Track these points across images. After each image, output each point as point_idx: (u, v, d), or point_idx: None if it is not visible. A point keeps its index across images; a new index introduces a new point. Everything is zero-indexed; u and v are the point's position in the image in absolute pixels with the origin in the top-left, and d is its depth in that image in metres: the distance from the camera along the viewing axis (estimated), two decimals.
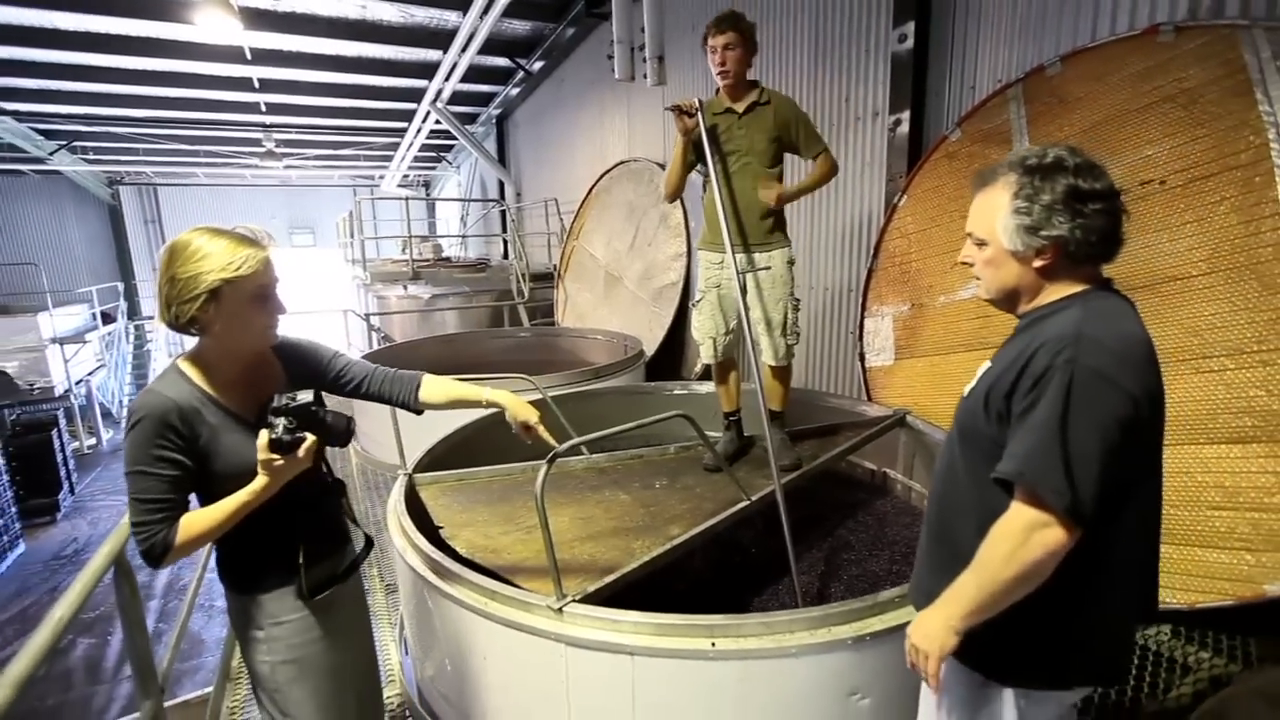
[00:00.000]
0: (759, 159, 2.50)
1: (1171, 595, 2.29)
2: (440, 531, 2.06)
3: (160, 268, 1.20)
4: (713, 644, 1.40)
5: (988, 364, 1.18)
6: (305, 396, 1.26)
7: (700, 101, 2.44)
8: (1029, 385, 1.02)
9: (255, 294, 1.21)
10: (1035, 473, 0.98)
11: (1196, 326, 2.40)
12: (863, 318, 3.80)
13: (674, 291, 5.87)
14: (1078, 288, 1.11)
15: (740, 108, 2.47)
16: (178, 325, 1.21)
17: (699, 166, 2.58)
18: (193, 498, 1.28)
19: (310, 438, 1.25)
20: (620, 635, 1.44)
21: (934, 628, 1.09)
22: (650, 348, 5.74)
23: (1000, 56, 3.21)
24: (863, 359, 3.78)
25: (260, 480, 1.23)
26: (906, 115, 3.53)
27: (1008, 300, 1.18)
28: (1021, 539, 1.00)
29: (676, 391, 3.91)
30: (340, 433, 1.31)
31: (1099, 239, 1.07)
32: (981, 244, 1.16)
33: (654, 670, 1.42)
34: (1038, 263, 1.10)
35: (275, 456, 1.21)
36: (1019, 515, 1.01)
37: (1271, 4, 2.37)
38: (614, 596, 1.63)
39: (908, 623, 1.47)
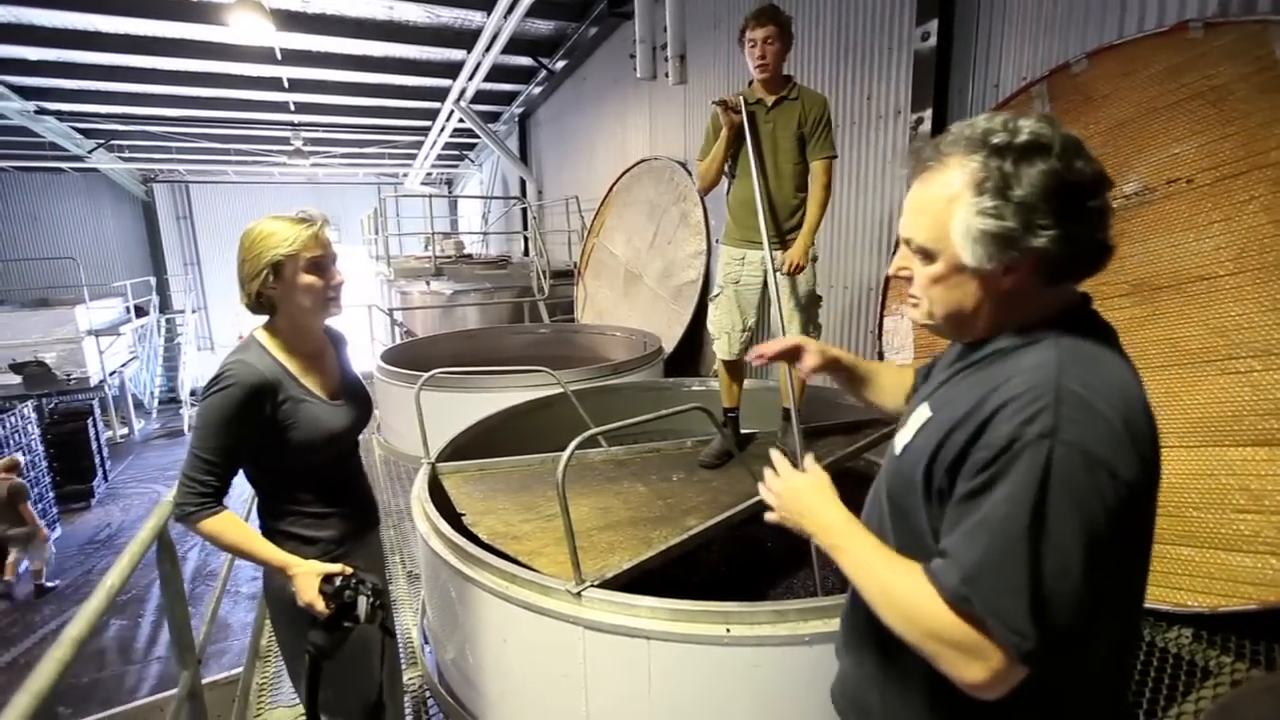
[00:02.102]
0: (784, 156, 2.52)
1: (1193, 598, 2.27)
2: (462, 518, 2.12)
3: (237, 257, 1.34)
4: (727, 630, 1.43)
5: (925, 411, 0.88)
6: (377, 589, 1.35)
7: (746, 101, 2.46)
8: (984, 458, 0.74)
9: (311, 265, 1.33)
10: (986, 600, 0.71)
11: (1223, 327, 2.36)
12: (882, 316, 3.79)
13: (693, 289, 5.88)
14: (1049, 311, 0.82)
15: (770, 101, 2.49)
16: (253, 304, 1.34)
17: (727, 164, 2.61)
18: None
19: (360, 613, 1.32)
20: (637, 620, 1.47)
21: (795, 515, 0.95)
22: (669, 345, 5.77)
23: (1025, 54, 3.19)
24: (881, 357, 3.77)
25: (295, 576, 1.30)
26: (929, 114, 3.51)
27: (955, 327, 0.88)
28: (944, 644, 0.74)
29: (694, 387, 3.94)
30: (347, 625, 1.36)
31: (1089, 250, 0.78)
32: (927, 256, 0.84)
33: (669, 654, 1.46)
34: (1004, 283, 0.80)
35: (328, 610, 1.28)
36: (954, 624, 0.73)
37: None
38: (631, 584, 1.67)
39: None
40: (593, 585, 1.55)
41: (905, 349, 3.64)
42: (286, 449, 1.33)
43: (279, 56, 7.74)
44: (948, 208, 0.80)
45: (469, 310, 7.98)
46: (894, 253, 3.68)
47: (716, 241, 5.76)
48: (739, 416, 2.84)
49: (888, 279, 3.76)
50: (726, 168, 2.66)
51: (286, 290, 1.33)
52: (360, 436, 1.51)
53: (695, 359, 6.02)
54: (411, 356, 5.56)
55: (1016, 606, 0.70)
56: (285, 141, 12.03)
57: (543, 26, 7.58)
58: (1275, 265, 2.28)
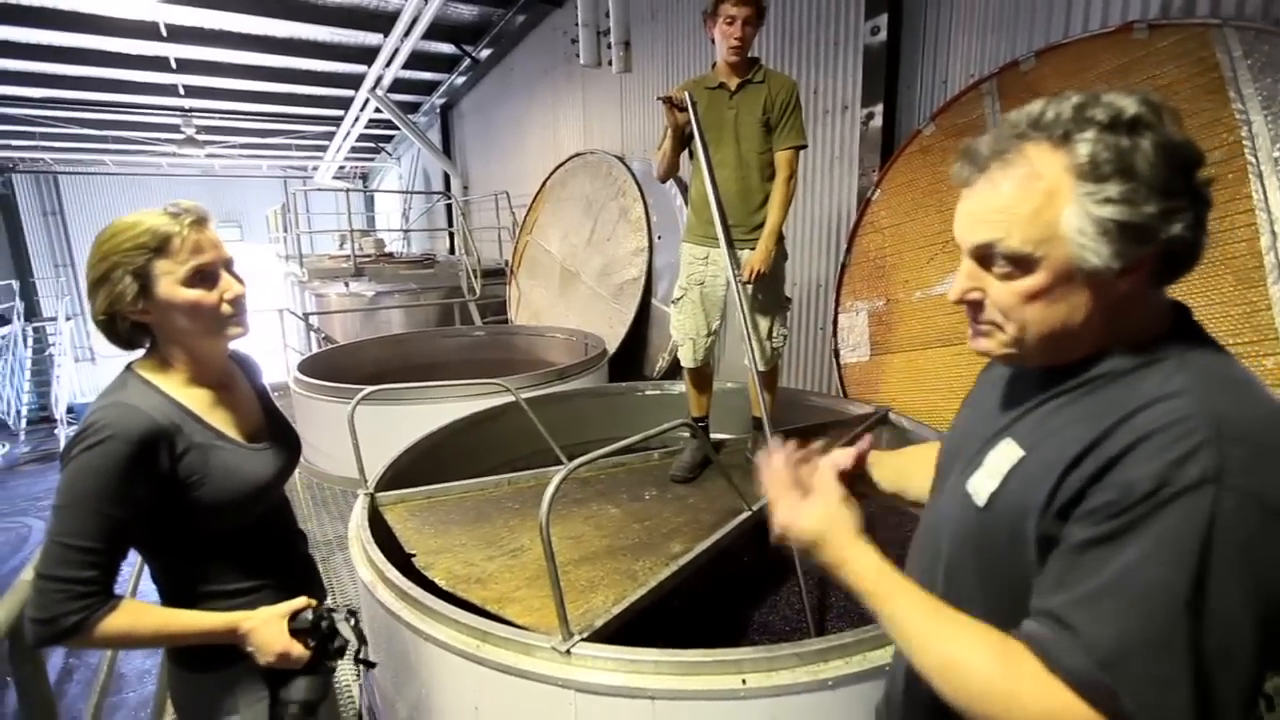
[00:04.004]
0: (749, 144, 2.35)
1: None
2: (413, 560, 1.83)
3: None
4: (744, 681, 1.26)
5: (1012, 449, 0.72)
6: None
7: (691, 97, 2.27)
8: (1112, 502, 0.59)
9: (191, 275, 0.98)
10: (1139, 693, 0.57)
11: None
12: (837, 313, 3.75)
13: (635, 288, 5.71)
14: (1152, 321, 0.69)
15: (734, 85, 2.33)
16: (116, 335, 1.00)
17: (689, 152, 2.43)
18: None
19: (348, 638, 1.11)
20: (640, 678, 1.27)
21: (809, 536, 0.78)
22: (612, 346, 5.57)
23: (973, 50, 3.20)
24: (837, 355, 3.73)
25: (252, 631, 1.02)
26: (879, 109, 3.48)
27: (1050, 351, 0.71)
28: None
29: (649, 392, 3.75)
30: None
31: (1198, 239, 0.66)
32: (1019, 263, 0.67)
33: (678, 715, 1.27)
34: (1120, 286, 0.65)
35: (307, 653, 1.04)
36: (1076, 711, 0.59)
37: (1241, 3, 2.41)
38: (620, 628, 1.47)
39: None
40: (583, 639, 1.33)
41: (861, 346, 3.62)
42: (196, 513, 1.00)
43: (164, 33, 6.90)
44: (1050, 202, 0.64)
45: (393, 313, 7.46)
46: (843, 258, 3.69)
47: (659, 238, 5.68)
48: (709, 426, 2.67)
49: (840, 274, 3.73)
50: (686, 156, 2.49)
51: (162, 313, 0.98)
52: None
53: (639, 359, 5.86)
54: (333, 365, 5.08)
55: (1178, 702, 0.55)
56: (175, 129, 10.86)
57: (466, 11, 7.16)
58: (1220, 260, 2.35)
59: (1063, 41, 2.80)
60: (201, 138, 11.20)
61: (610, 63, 4.02)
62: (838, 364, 3.72)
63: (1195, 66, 2.43)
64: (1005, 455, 0.72)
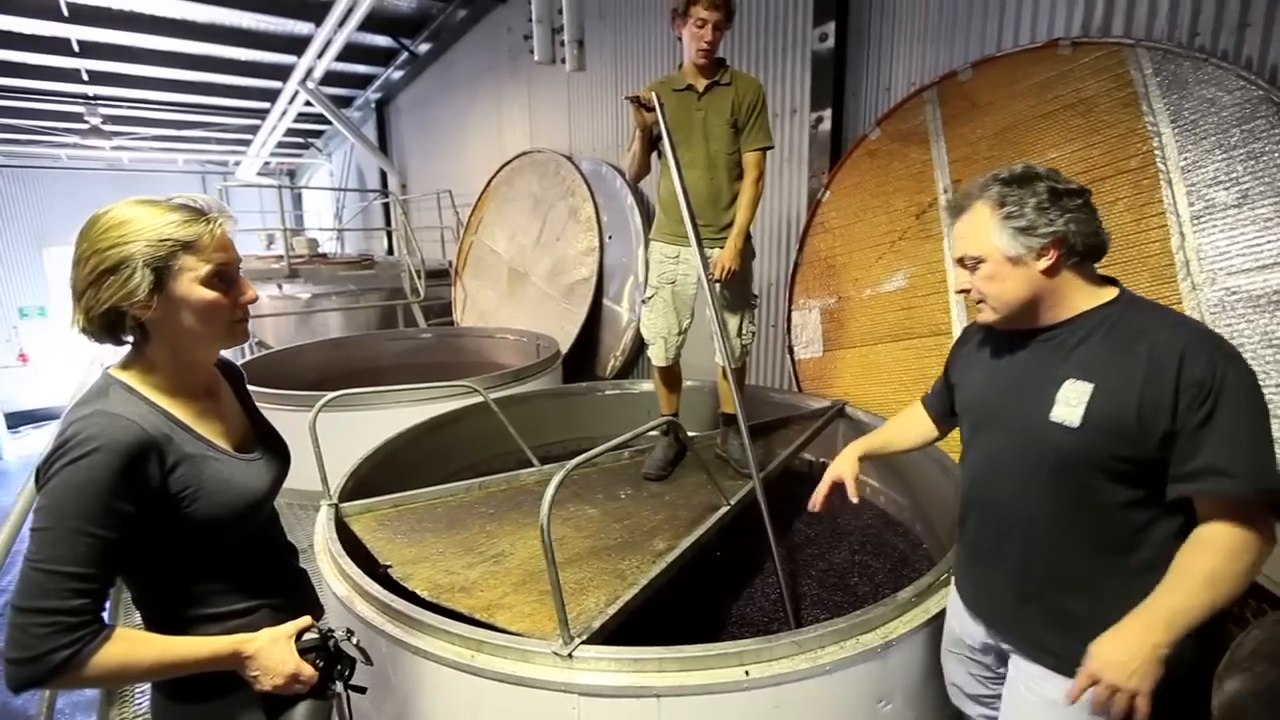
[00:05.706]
0: (718, 144, 2.39)
1: None
2: (389, 571, 1.77)
3: (73, 256, 0.89)
4: (746, 672, 1.28)
5: (1080, 385, 1.07)
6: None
7: (658, 97, 2.28)
8: (1198, 394, 0.97)
9: (213, 275, 0.93)
10: (1272, 480, 0.96)
11: None
12: (790, 311, 3.86)
13: (586, 288, 5.70)
14: (1101, 290, 1.12)
15: (701, 86, 2.36)
16: (106, 330, 0.90)
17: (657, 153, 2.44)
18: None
19: (354, 656, 1.09)
20: (643, 676, 1.27)
21: (1140, 662, 0.97)
22: (563, 346, 5.53)
23: (914, 60, 3.37)
24: (791, 351, 3.85)
25: (257, 654, 0.96)
26: (828, 113, 3.61)
27: (1024, 313, 1.14)
28: (1263, 551, 0.98)
29: (609, 392, 3.76)
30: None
31: (1092, 232, 1.09)
32: (977, 263, 1.15)
33: (683, 710, 1.28)
34: (1042, 263, 1.09)
35: (317, 674, 1.00)
36: (1255, 525, 0.98)
37: (1149, 24, 2.64)
38: (617, 629, 1.47)
39: (930, 619, 1.45)
40: (583, 642, 1.33)
41: (814, 342, 3.74)
42: (189, 530, 0.92)
43: (65, 12, 6.34)
44: (984, 224, 1.13)
45: (330, 316, 7.13)
46: (795, 257, 3.81)
47: (609, 237, 5.67)
48: (680, 424, 2.70)
49: (793, 273, 3.84)
50: (656, 157, 2.51)
51: (171, 311, 0.91)
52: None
53: (591, 359, 5.84)
54: (271, 371, 4.81)
55: None
56: (78, 118, 9.99)
57: (404, 4, 6.95)
58: (1138, 259, 2.57)
59: (996, 54, 2.99)
60: (108, 128, 10.35)
61: (564, 60, 3.98)
62: (792, 360, 3.83)
63: (1113, 82, 2.64)
64: (1077, 390, 1.08)
